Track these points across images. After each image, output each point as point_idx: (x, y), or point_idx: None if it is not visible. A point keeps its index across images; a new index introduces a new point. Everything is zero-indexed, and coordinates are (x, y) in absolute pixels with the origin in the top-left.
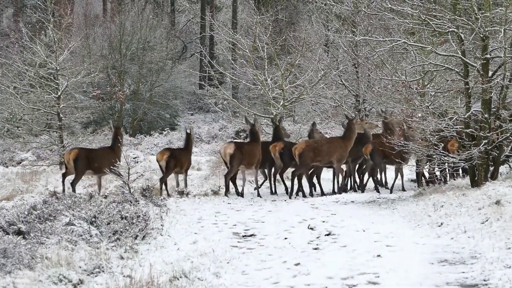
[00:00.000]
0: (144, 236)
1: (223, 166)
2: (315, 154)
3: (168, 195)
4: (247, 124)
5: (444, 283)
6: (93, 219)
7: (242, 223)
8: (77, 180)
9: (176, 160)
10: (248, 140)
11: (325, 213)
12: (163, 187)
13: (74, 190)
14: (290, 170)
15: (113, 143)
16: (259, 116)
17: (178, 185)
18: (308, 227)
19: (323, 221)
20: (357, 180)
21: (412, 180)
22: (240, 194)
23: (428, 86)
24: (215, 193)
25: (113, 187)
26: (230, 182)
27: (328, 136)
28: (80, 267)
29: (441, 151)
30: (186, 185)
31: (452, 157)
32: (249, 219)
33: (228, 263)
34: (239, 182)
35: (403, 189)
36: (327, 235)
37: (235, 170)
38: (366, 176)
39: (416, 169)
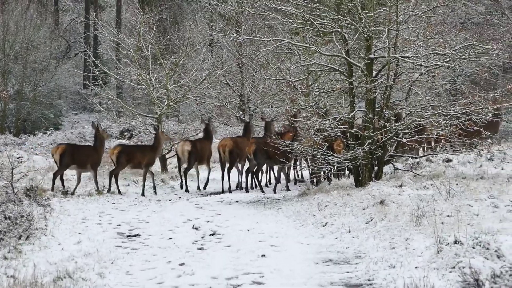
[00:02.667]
0: (28, 236)
1: (107, 166)
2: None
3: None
4: (202, 124)
5: (329, 283)
6: None
7: (126, 223)
8: None
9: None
10: (201, 137)
11: (209, 213)
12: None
13: None
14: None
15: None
16: (144, 116)
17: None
18: (192, 227)
19: (208, 221)
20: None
21: (298, 181)
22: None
23: (313, 86)
24: (99, 193)
25: None
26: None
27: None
28: None
29: (325, 151)
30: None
31: (336, 157)
32: (134, 219)
33: (112, 263)
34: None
35: (288, 189)
36: (212, 235)
37: (192, 166)
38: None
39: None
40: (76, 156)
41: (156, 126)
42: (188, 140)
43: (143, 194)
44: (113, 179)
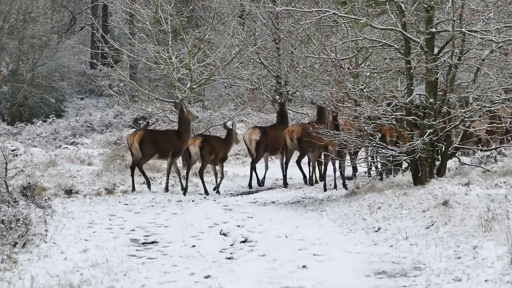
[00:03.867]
0: (24, 244)
1: (119, 160)
2: None
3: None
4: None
5: None
6: None
7: (141, 227)
8: None
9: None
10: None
11: (240, 216)
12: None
13: None
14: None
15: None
16: (162, 101)
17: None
18: (220, 232)
19: (238, 226)
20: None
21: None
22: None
23: (363, 65)
24: (110, 192)
25: None
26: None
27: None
28: None
29: (378, 143)
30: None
31: (391, 150)
32: (150, 223)
33: (125, 275)
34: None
35: (335, 187)
36: (243, 242)
37: (259, 159)
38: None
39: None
40: (160, 144)
41: (180, 104)
42: (257, 127)
43: (166, 189)
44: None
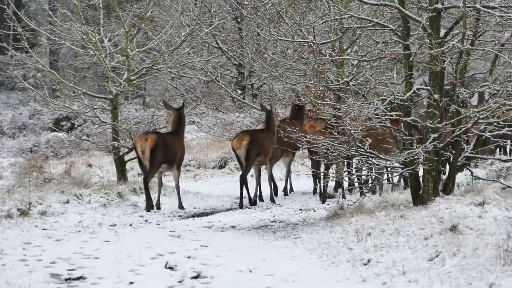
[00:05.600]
0: None
1: (35, 172)
2: None
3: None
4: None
5: None
6: None
7: (64, 259)
8: None
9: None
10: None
11: (191, 244)
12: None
13: None
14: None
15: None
16: (92, 97)
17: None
18: (165, 266)
19: (189, 257)
20: None
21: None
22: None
23: (349, 51)
24: (24, 213)
25: None
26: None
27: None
28: None
29: (368, 151)
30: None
31: (385, 159)
32: (76, 254)
33: None
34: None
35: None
36: (195, 278)
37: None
38: None
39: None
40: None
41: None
42: (247, 131)
43: (181, 207)
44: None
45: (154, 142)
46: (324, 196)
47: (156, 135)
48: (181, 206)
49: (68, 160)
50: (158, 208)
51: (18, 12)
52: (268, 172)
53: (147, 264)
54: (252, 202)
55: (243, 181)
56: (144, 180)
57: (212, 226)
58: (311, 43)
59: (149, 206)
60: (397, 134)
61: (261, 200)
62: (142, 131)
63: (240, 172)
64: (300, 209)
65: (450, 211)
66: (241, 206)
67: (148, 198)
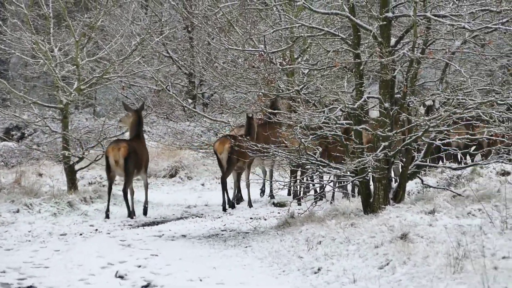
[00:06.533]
0: None
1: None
2: None
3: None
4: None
5: None
6: None
7: (14, 269)
8: None
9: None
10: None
11: (141, 253)
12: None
13: None
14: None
15: None
16: (42, 106)
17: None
18: (115, 275)
19: (139, 266)
20: None
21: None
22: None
23: (299, 60)
24: None
25: None
26: None
27: None
28: None
29: (319, 159)
30: None
31: (335, 168)
32: (26, 263)
33: None
34: None
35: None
36: (145, 286)
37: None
38: None
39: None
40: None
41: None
42: (230, 135)
43: (145, 213)
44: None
45: (127, 151)
46: (250, 202)
47: (127, 143)
48: (145, 212)
49: (18, 170)
50: (107, 217)
51: None
52: (246, 178)
53: (97, 273)
54: (231, 205)
55: (224, 184)
56: (123, 190)
57: (163, 235)
58: (262, 52)
59: (132, 214)
60: (347, 142)
61: (238, 203)
62: (93, 140)
63: (191, 181)
64: (251, 218)
65: (400, 219)
66: (224, 209)
67: (128, 207)
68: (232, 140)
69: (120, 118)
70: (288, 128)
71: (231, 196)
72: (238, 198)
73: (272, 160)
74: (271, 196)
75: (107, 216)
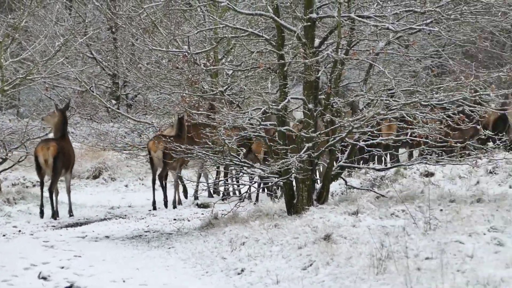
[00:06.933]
0: None
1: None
2: None
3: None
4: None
5: None
6: None
7: None
8: None
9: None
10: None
11: (65, 254)
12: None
13: None
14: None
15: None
16: None
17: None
18: (38, 276)
19: (62, 267)
20: None
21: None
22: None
23: (223, 61)
24: None
25: None
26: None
27: None
28: None
29: (242, 160)
30: None
31: (259, 169)
32: None
33: None
34: None
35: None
36: None
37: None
38: None
39: None
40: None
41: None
42: (162, 135)
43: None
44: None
45: (56, 150)
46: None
47: (56, 142)
48: (70, 211)
49: None
50: (42, 215)
51: None
52: (175, 177)
53: (20, 275)
54: (155, 206)
55: (158, 183)
56: (49, 190)
57: (86, 236)
58: (186, 53)
59: (55, 214)
60: (271, 143)
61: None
62: (17, 141)
63: (115, 182)
64: (174, 219)
65: (324, 220)
66: (154, 207)
67: (53, 207)
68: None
69: (43, 117)
70: (212, 129)
71: (161, 195)
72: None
73: (197, 162)
74: (195, 197)
75: (42, 214)
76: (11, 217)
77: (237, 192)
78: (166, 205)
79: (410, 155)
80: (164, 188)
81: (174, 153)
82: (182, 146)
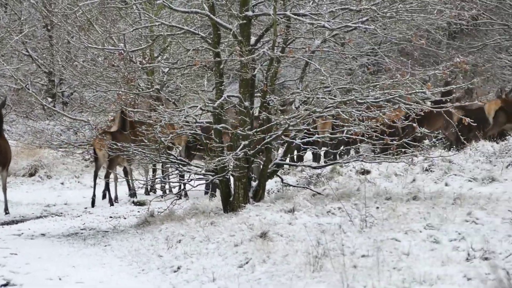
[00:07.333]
0: None
1: None
2: None
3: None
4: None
5: None
6: None
7: None
8: None
9: None
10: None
11: (0, 252)
12: None
13: None
14: None
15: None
16: None
17: None
18: None
19: None
20: None
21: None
22: None
23: (159, 59)
24: None
25: None
26: None
27: None
28: None
29: (178, 158)
30: None
31: (196, 167)
32: None
33: None
34: None
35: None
36: (4, 285)
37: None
38: None
39: None
40: None
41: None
42: (107, 132)
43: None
44: None
45: None
46: (111, 200)
47: None
48: (6, 209)
49: None
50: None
51: None
52: (109, 174)
53: None
54: (94, 203)
55: (97, 179)
56: None
57: (22, 233)
58: (122, 51)
59: None
60: (207, 141)
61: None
62: None
63: (51, 180)
64: (111, 217)
65: (260, 218)
66: (93, 204)
67: None
68: (112, 137)
69: None
70: (148, 126)
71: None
72: (105, 195)
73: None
74: (132, 194)
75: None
76: None
77: (173, 190)
78: (111, 202)
79: (347, 153)
80: (106, 185)
81: (110, 150)
82: (119, 142)
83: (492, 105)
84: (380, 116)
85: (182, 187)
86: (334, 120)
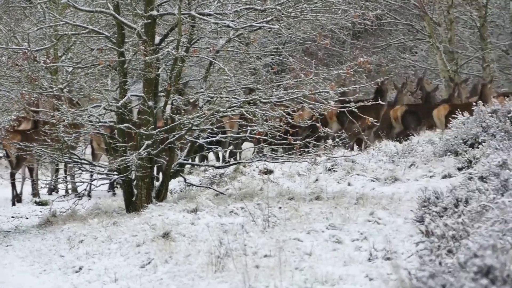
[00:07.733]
0: None
1: None
2: None
3: None
4: None
5: None
6: None
7: None
8: None
9: None
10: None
11: None
12: None
13: None
14: None
15: None
16: None
17: None
18: None
19: None
20: None
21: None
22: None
23: (63, 58)
24: None
25: None
26: None
27: None
28: None
29: (82, 158)
30: None
31: (100, 167)
32: None
33: None
34: None
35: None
36: None
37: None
38: None
39: None
40: None
41: None
42: (18, 131)
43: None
44: None
45: None
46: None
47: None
48: None
49: None
50: None
51: None
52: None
53: None
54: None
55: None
56: None
57: None
58: (26, 50)
59: None
60: (110, 141)
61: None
62: None
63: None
64: (12, 217)
65: (163, 218)
66: (18, 201)
67: None
68: (22, 136)
69: None
70: (51, 126)
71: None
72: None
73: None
74: (34, 194)
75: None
76: None
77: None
78: (20, 200)
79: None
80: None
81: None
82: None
83: (441, 110)
84: (284, 116)
85: (85, 187)
86: (238, 120)
